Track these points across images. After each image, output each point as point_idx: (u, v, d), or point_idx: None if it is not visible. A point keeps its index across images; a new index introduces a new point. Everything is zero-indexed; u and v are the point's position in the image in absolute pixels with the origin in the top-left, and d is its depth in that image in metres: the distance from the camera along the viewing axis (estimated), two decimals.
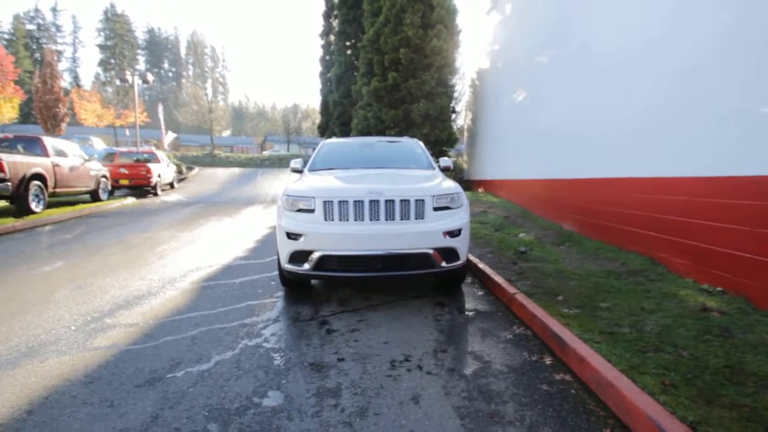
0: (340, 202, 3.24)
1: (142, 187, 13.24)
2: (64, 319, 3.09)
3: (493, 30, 12.59)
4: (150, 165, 13.20)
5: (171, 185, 15.93)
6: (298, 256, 3.28)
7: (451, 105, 14.71)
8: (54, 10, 59.83)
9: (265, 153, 44.04)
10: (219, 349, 2.60)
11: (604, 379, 2.02)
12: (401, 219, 3.24)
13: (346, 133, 17.96)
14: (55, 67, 24.19)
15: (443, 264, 3.30)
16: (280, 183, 19.79)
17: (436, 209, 3.34)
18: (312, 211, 3.29)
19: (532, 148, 8.24)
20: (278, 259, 3.66)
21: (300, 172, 4.62)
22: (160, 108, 23.24)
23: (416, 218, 3.27)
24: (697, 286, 3.38)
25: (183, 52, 58.93)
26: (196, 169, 21.58)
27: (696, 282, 3.48)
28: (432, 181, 3.69)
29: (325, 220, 3.24)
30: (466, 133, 16.57)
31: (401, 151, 4.89)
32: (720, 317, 2.79)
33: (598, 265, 4.32)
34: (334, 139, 5.16)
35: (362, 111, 14.45)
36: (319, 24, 22.99)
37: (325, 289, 3.85)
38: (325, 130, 20.23)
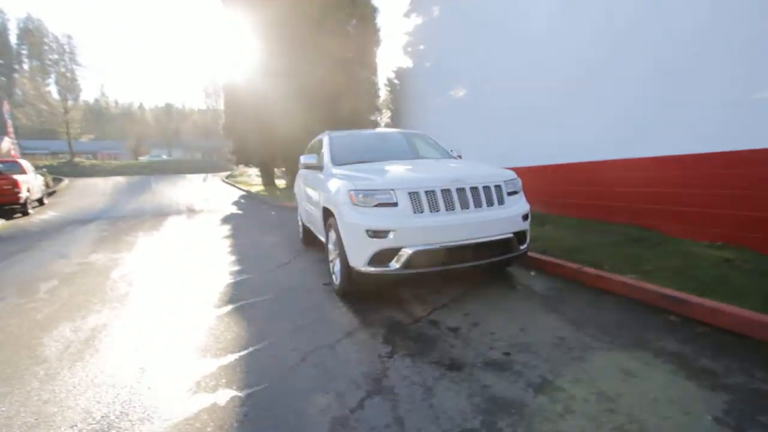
0: (426, 192, 3.02)
1: (3, 206, 10.30)
2: None
3: (414, 30, 13.08)
4: (16, 177, 10.34)
5: (40, 201, 12.79)
6: (384, 256, 2.95)
7: (376, 103, 14.84)
8: None
9: (143, 159, 38.47)
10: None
11: (749, 320, 2.30)
12: (487, 206, 3.17)
13: None
14: None
15: (520, 247, 3.34)
16: (185, 191, 17.56)
17: (509, 194, 3.35)
18: (395, 204, 2.99)
19: (476, 138, 8.84)
20: (340, 266, 3.26)
21: (315, 168, 4.16)
22: (5, 106, 18.29)
23: (498, 204, 3.23)
24: (701, 244, 4.05)
25: (14, 40, 47.15)
26: (66, 181, 17.78)
27: (694, 241, 4.17)
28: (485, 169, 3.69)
29: (415, 212, 2.98)
30: None
31: (419, 142, 4.76)
32: (744, 263, 3.39)
33: (598, 237, 4.85)
34: (338, 132, 4.75)
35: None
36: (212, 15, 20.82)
37: (382, 295, 3.52)
38: (231, 131, 18.48)
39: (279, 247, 5.99)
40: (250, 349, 2.52)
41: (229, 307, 3.32)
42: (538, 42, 6.59)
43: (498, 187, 3.27)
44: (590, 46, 5.58)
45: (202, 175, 27.27)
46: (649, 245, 4.17)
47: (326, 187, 3.75)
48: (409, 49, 13.64)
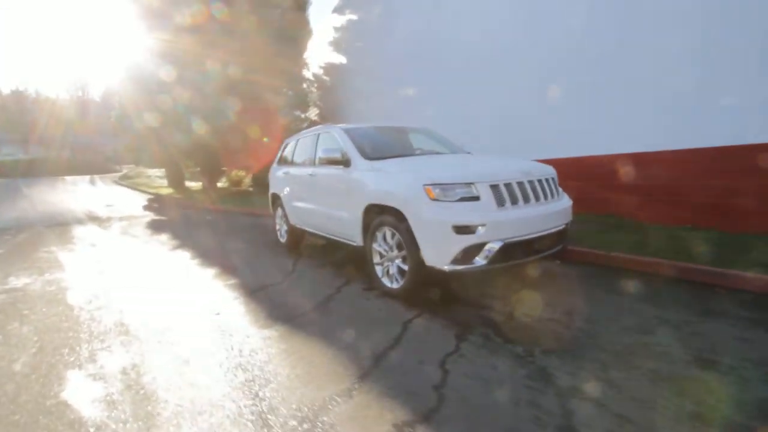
0: (505, 185, 2.96)
1: None
2: None
3: (348, 26, 12.84)
4: None
5: None
6: (470, 252, 2.80)
7: (308, 99, 14.18)
8: None
9: None
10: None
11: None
12: (551, 198, 3.24)
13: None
14: None
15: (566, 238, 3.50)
16: (73, 196, 14.64)
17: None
18: (477, 198, 2.87)
19: None
20: (409, 266, 3.02)
21: (341, 163, 3.80)
22: None
23: (556, 196, 3.34)
24: (672, 227, 4.74)
25: None
26: None
27: (665, 226, 4.87)
28: None
29: (499, 206, 2.89)
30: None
31: (433, 137, 4.64)
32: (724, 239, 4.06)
33: (585, 227, 5.36)
34: (349, 126, 4.38)
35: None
36: None
37: (450, 295, 3.36)
38: (127, 126, 15.81)
39: (259, 253, 5.35)
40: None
41: (280, 326, 2.83)
42: (481, 49, 7.03)
43: (553, 180, 3.38)
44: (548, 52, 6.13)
45: (87, 177, 22.88)
46: (630, 230, 4.75)
47: (368, 184, 3.46)
48: (343, 45, 13.37)
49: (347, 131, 4.14)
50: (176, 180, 16.91)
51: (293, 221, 5.13)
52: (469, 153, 4.47)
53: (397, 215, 3.10)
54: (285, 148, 5.86)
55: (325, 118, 14.87)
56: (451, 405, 1.82)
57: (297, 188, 4.93)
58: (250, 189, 15.76)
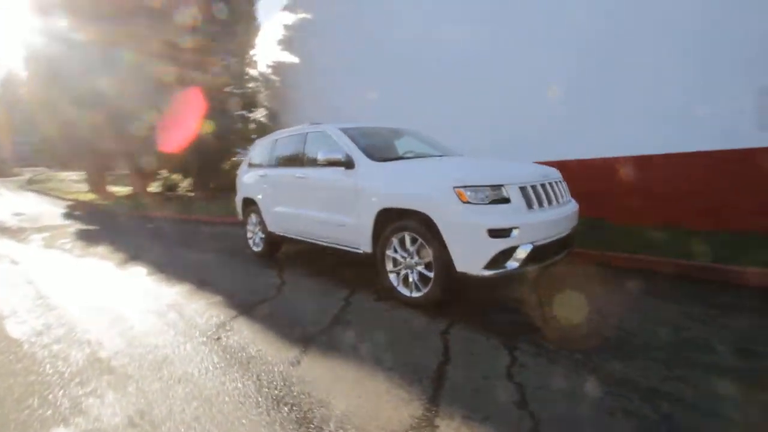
0: (531, 186, 2.91)
1: None
2: None
3: (301, 24, 12.35)
4: None
5: None
6: (503, 256, 2.70)
7: (257, 99, 13.37)
8: None
9: None
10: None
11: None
12: (565, 200, 3.26)
13: None
14: None
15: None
16: None
17: None
18: (508, 200, 2.78)
19: None
20: (436, 272, 2.85)
21: (342, 164, 3.53)
22: None
23: (568, 199, 3.37)
24: (647, 228, 5.09)
25: None
26: None
27: (642, 225, 5.21)
28: None
29: (529, 208, 2.82)
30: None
31: (423, 139, 4.48)
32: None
33: None
34: (344, 125, 4.07)
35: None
36: None
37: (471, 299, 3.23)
38: (39, 124, 13.66)
39: (231, 264, 4.83)
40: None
41: (302, 348, 2.49)
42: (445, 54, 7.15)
43: (563, 183, 3.42)
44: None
45: None
46: (610, 230, 5.04)
47: (380, 186, 3.23)
48: (295, 44, 12.83)
49: (345, 131, 3.86)
50: (98, 184, 14.97)
51: (273, 228, 4.69)
52: (461, 155, 4.42)
53: (422, 219, 2.91)
54: (256, 148, 5.38)
55: (273, 119, 14.17)
56: (549, 426, 1.67)
57: (280, 192, 4.50)
58: (190, 194, 14.47)
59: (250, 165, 5.30)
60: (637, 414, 1.71)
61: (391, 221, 3.16)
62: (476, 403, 1.84)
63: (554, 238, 2.96)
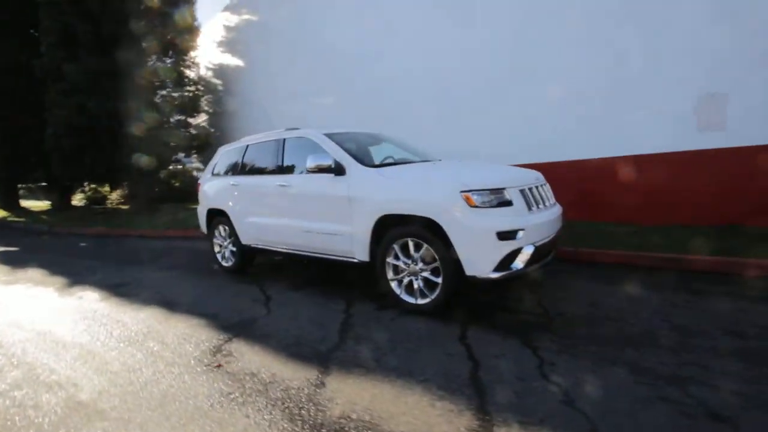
0: (529, 189, 3.01)
1: None
2: None
3: (245, 26, 11.82)
4: None
5: None
6: (510, 258, 2.76)
7: (198, 104, 12.48)
8: None
9: None
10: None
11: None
12: (551, 202, 3.41)
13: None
14: None
15: None
16: None
17: None
18: (510, 203, 2.84)
19: None
20: (444, 278, 2.84)
21: (330, 171, 3.41)
22: None
23: (554, 202, 3.54)
24: (629, 225, 5.47)
25: None
26: None
27: (624, 223, 5.60)
28: None
29: (529, 210, 2.91)
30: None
31: (404, 143, 4.46)
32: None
33: None
34: (327, 130, 3.91)
35: (67, 99, 9.69)
36: None
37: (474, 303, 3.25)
38: None
39: (201, 282, 4.46)
40: None
41: (319, 368, 2.34)
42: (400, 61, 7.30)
43: (548, 186, 3.58)
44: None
45: None
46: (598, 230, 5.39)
47: (377, 193, 3.16)
48: (239, 46, 12.24)
49: (330, 136, 3.73)
50: (9, 199, 13.05)
51: (247, 240, 4.38)
52: (440, 160, 4.48)
53: (427, 225, 2.89)
54: (220, 156, 5.02)
55: (215, 125, 13.38)
56: (605, 423, 1.70)
57: (256, 201, 4.22)
58: (123, 206, 13.15)
59: (214, 174, 4.93)
60: (673, 400, 1.82)
61: (391, 228, 3.10)
62: (524, 406, 1.84)
63: (549, 239, 3.10)
